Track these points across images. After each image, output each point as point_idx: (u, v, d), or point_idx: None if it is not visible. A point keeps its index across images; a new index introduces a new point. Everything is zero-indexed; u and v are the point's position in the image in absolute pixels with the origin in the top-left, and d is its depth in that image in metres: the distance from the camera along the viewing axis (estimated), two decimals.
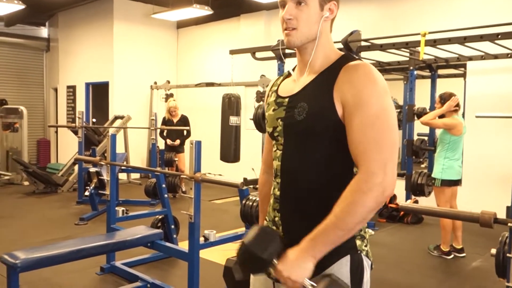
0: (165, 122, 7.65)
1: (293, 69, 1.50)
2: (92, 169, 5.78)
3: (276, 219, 1.42)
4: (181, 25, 10.15)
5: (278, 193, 1.41)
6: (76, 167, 7.87)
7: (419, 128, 6.83)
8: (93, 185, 5.70)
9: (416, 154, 6.20)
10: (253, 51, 6.61)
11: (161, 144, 7.92)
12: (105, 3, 9.25)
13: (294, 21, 1.34)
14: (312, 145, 1.33)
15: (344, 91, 1.26)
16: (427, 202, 5.60)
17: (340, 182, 1.29)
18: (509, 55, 5.54)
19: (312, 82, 1.36)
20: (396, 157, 1.27)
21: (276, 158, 1.42)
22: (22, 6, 7.47)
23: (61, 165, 9.18)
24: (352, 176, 1.28)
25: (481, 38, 4.47)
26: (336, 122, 1.28)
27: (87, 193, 5.90)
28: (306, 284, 1.23)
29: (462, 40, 4.62)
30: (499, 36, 4.36)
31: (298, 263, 1.24)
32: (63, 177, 8.12)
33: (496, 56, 5.66)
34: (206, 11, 8.15)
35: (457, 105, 4.51)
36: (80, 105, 10.05)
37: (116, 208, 4.04)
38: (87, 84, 10.06)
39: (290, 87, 1.44)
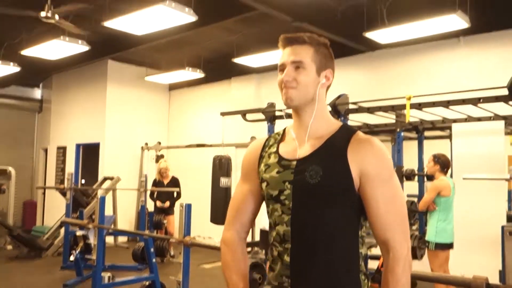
0: (156, 183, 7.61)
1: (283, 132, 1.54)
2: (79, 232, 5.67)
3: (285, 284, 1.40)
4: (173, 87, 10.36)
5: (288, 259, 1.39)
6: (62, 230, 7.71)
7: (409, 189, 6.87)
8: (79, 249, 5.56)
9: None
10: (243, 113, 6.72)
11: (150, 206, 7.83)
12: (100, 66, 9.47)
13: (294, 83, 1.41)
14: (325, 209, 1.36)
15: (364, 162, 1.36)
16: (420, 265, 5.51)
17: (353, 246, 1.38)
18: (491, 118, 5.68)
19: (322, 147, 1.41)
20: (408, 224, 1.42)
21: (283, 223, 1.40)
22: (17, 69, 7.62)
23: (47, 228, 8.97)
24: (357, 240, 1.39)
25: (463, 102, 4.61)
26: (351, 188, 1.35)
27: (72, 257, 5.74)
28: None
29: (446, 104, 4.76)
30: (481, 100, 4.50)
31: None
32: (48, 240, 7.92)
33: (479, 119, 5.81)
34: (198, 74, 8.38)
35: (446, 166, 4.58)
36: (70, 166, 10.00)
37: (102, 274, 3.93)
38: (78, 145, 10.07)
39: (292, 150, 1.46)
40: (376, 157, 1.37)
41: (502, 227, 1.96)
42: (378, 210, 1.35)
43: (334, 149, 1.39)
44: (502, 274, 1.95)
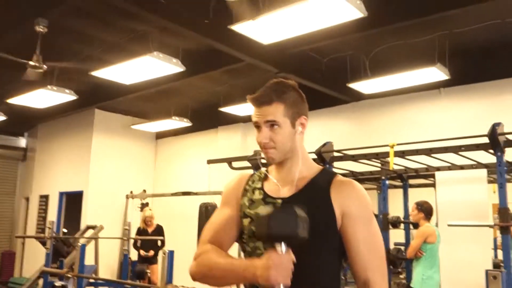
0: (140, 232, 7.49)
1: (266, 171, 1.57)
2: (58, 283, 5.46)
3: None
4: (160, 136, 10.40)
5: None
6: (41, 281, 7.44)
7: (395, 237, 6.84)
8: None
9: (394, 264, 6.10)
10: (229, 160, 6.74)
11: (134, 255, 7.65)
12: (86, 115, 9.49)
13: (271, 143, 1.44)
14: (311, 249, 1.36)
15: (346, 203, 1.39)
16: None
17: (332, 284, 1.41)
18: (473, 166, 5.78)
19: (306, 187, 1.44)
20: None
21: None
22: (3, 118, 7.61)
23: (25, 279, 8.67)
24: (339, 280, 1.42)
25: (445, 150, 4.71)
26: (334, 228, 1.39)
27: None
28: None
29: (429, 152, 4.85)
30: (463, 148, 4.60)
31: None
32: None
33: (462, 167, 5.91)
34: (185, 123, 8.45)
35: (430, 212, 4.61)
36: (52, 215, 9.80)
37: None
38: (61, 193, 9.92)
39: (276, 188, 1.48)
40: (358, 198, 1.41)
41: (486, 271, 1.97)
42: (359, 250, 1.38)
43: (318, 190, 1.43)
44: None
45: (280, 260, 1.24)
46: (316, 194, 1.42)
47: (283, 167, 1.50)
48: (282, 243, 1.25)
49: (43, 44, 5.35)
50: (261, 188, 1.50)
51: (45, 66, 5.23)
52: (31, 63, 5.17)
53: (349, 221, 1.38)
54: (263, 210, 1.38)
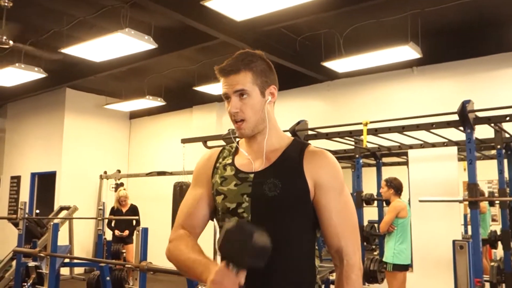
0: (114, 212, 7.42)
1: (236, 146, 1.55)
2: (32, 264, 5.39)
3: None
4: (134, 115, 10.26)
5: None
6: (14, 263, 7.34)
7: (369, 214, 6.98)
8: (31, 281, 5.28)
9: (367, 240, 6.22)
10: (204, 140, 6.70)
11: (108, 235, 7.60)
12: (57, 95, 9.28)
13: (241, 113, 1.42)
14: (284, 221, 1.37)
15: (318, 174, 1.39)
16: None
17: (310, 257, 1.42)
18: (445, 144, 5.90)
19: (278, 160, 1.43)
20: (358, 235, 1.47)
21: None
22: None
23: None
24: (313, 252, 1.42)
25: (417, 127, 4.77)
26: (308, 200, 1.38)
27: None
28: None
29: (401, 129, 4.91)
30: (434, 126, 4.68)
31: None
32: None
33: (433, 145, 6.02)
34: (159, 102, 8.34)
35: (399, 188, 4.71)
36: (24, 196, 9.62)
37: None
38: (33, 174, 9.74)
39: (247, 163, 1.46)
40: (329, 168, 1.41)
41: (453, 241, 2.02)
42: (331, 220, 1.38)
43: (290, 162, 1.42)
44: (455, 287, 1.99)
45: (225, 279, 1.20)
46: (288, 166, 1.41)
47: (254, 140, 1.48)
48: (231, 264, 1.21)
49: (8, 19, 5.17)
50: (232, 164, 1.48)
51: (11, 42, 5.06)
52: None
53: (321, 192, 1.38)
54: (228, 224, 1.26)
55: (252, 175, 1.42)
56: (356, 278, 1.37)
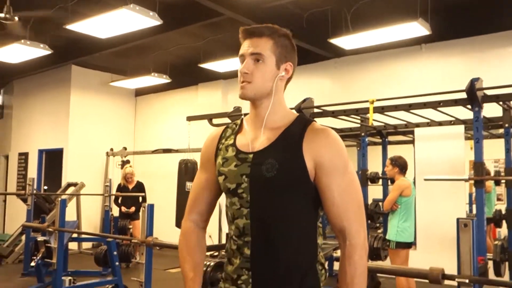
0: (120, 188, 7.49)
1: (240, 122, 1.54)
2: (40, 238, 5.48)
3: (244, 277, 1.39)
4: (140, 93, 10.25)
5: (248, 252, 1.39)
6: (23, 237, 7.47)
7: (374, 192, 7.00)
8: (40, 255, 5.38)
9: (371, 218, 6.27)
10: (210, 117, 6.71)
11: (115, 211, 7.69)
12: (63, 72, 9.28)
13: (250, 76, 1.41)
14: (283, 202, 1.36)
15: (319, 153, 1.36)
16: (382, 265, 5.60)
17: (312, 237, 1.41)
18: (452, 122, 5.86)
19: (278, 139, 1.40)
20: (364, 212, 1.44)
21: (242, 216, 1.40)
22: None
23: (8, 235, 8.68)
24: (315, 230, 1.41)
25: (424, 105, 4.74)
26: (306, 180, 1.36)
27: (33, 264, 5.56)
28: None
29: (408, 107, 4.88)
30: (441, 104, 4.64)
31: None
32: (8, 248, 7.65)
33: (440, 123, 5.98)
34: (164, 79, 8.32)
35: (404, 167, 4.70)
36: (32, 173, 9.72)
37: (63, 278, 3.83)
38: (40, 151, 9.81)
39: (248, 142, 1.45)
40: (330, 147, 1.37)
41: (457, 219, 2.02)
42: (334, 200, 1.36)
43: (290, 141, 1.39)
44: (458, 265, 2.00)
45: None
46: (287, 145, 1.38)
47: (258, 115, 1.46)
48: None
49: None
50: (234, 144, 1.47)
51: (16, 18, 5.03)
52: (1, 15, 4.97)
53: (323, 172, 1.35)
54: None
55: (251, 155, 1.41)
56: (358, 259, 1.34)
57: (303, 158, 1.35)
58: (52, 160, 9.62)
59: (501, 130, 5.43)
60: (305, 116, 1.49)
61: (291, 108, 5.45)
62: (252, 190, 1.38)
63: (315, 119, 5.48)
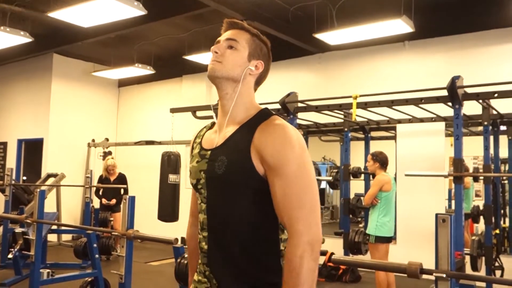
0: (102, 180, 7.42)
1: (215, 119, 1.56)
2: (18, 230, 5.40)
3: (207, 273, 1.41)
4: (123, 83, 10.14)
5: (206, 247, 1.41)
6: (0, 228, 7.35)
7: (356, 187, 7.07)
8: (17, 247, 5.30)
9: (353, 213, 6.33)
10: (193, 109, 6.68)
11: (96, 203, 7.61)
12: (44, 60, 9.11)
13: (221, 57, 1.42)
14: (233, 198, 1.35)
15: (263, 151, 1.31)
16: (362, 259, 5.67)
17: (267, 232, 1.36)
18: (433, 119, 5.94)
19: (232, 136, 1.39)
20: (318, 209, 1.31)
21: (202, 211, 1.42)
22: None
23: None
24: (277, 225, 1.36)
25: (406, 102, 4.79)
26: (254, 177, 1.32)
27: (10, 255, 5.48)
28: None
29: (390, 104, 4.93)
30: (423, 100, 4.70)
31: None
32: None
33: (422, 120, 6.06)
34: (148, 70, 8.23)
35: (385, 162, 4.76)
36: (11, 163, 9.56)
37: (41, 271, 3.78)
38: (20, 141, 9.64)
39: (212, 138, 1.47)
40: (274, 142, 1.31)
41: (436, 215, 2.05)
42: (276, 197, 1.30)
43: (241, 137, 1.36)
44: (436, 260, 2.03)
45: None
46: (237, 142, 1.36)
47: (223, 109, 1.44)
48: None
49: None
50: (200, 142, 1.50)
51: None
52: None
53: (267, 168, 1.31)
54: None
55: (209, 152, 1.42)
56: (298, 261, 1.23)
57: (249, 155, 1.32)
58: (32, 150, 9.47)
59: (480, 128, 5.53)
60: (268, 110, 1.43)
61: (275, 102, 5.46)
62: (208, 186, 1.40)
63: (299, 113, 5.50)
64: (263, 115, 1.39)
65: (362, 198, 6.66)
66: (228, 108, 1.43)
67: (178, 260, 3.29)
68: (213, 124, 1.55)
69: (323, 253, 5.56)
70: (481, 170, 5.68)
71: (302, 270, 1.22)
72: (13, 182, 6.91)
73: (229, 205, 1.36)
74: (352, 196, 6.44)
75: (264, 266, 1.35)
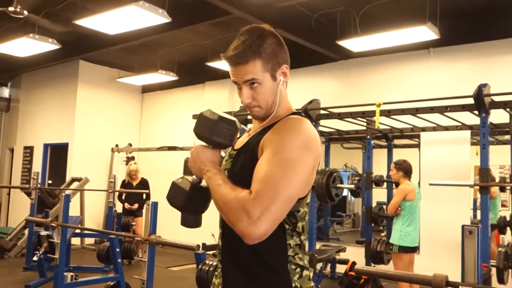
0: (125, 185, 7.50)
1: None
2: (43, 233, 5.50)
3: (219, 270, 1.46)
4: (146, 89, 10.27)
5: (220, 243, 1.45)
6: (26, 231, 7.50)
7: (378, 195, 6.98)
8: (42, 250, 5.39)
9: (375, 221, 6.25)
10: None
11: (119, 208, 7.70)
12: (70, 66, 9.31)
13: (254, 102, 1.40)
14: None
15: (264, 139, 1.33)
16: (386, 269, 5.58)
17: (275, 236, 1.29)
18: (458, 127, 5.83)
19: (254, 136, 1.43)
20: (279, 197, 1.22)
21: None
22: None
23: (11, 228, 8.72)
24: (285, 230, 1.35)
25: (431, 110, 4.72)
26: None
27: (35, 258, 5.57)
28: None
29: (414, 112, 4.86)
30: (448, 109, 4.62)
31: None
32: (11, 241, 7.68)
33: (446, 128, 5.96)
34: (171, 77, 8.32)
35: (409, 171, 4.69)
36: (37, 167, 9.76)
37: (65, 274, 3.83)
38: (46, 145, 9.85)
39: (242, 140, 1.50)
40: (277, 131, 1.32)
41: (463, 226, 2.01)
42: (256, 169, 1.29)
43: (259, 136, 1.39)
44: (462, 273, 1.99)
45: (197, 153, 1.40)
46: (255, 140, 1.39)
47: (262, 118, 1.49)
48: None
49: None
50: (233, 144, 1.52)
51: (25, 12, 5.04)
52: (10, 9, 4.98)
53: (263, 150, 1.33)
54: (204, 111, 1.45)
55: (235, 152, 1.46)
56: (235, 204, 1.22)
57: (257, 150, 1.34)
58: (57, 154, 9.65)
59: (507, 137, 5.40)
60: (298, 113, 1.45)
61: (297, 109, 5.45)
62: None
63: (321, 121, 5.47)
64: (289, 115, 1.42)
65: (384, 206, 6.57)
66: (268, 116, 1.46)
67: (200, 266, 3.31)
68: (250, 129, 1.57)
69: (345, 261, 5.50)
70: (507, 180, 5.54)
71: (236, 215, 1.21)
72: (38, 185, 7.05)
73: None
74: (374, 204, 6.36)
75: (272, 269, 1.34)
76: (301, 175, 1.27)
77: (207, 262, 3.32)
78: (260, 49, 1.35)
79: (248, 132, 1.56)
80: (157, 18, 5.45)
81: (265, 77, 1.37)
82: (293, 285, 1.34)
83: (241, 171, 1.37)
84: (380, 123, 5.12)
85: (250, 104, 1.40)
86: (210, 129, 1.38)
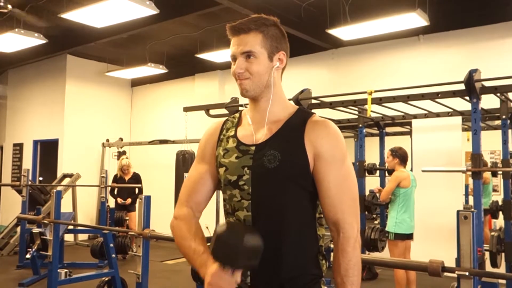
0: (116, 180, 7.45)
1: (240, 116, 1.53)
2: (36, 230, 5.45)
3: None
4: (136, 83, 10.18)
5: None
6: (18, 229, 7.44)
7: (371, 183, 6.99)
8: (35, 247, 5.35)
9: (369, 210, 6.27)
10: (207, 108, 6.66)
11: (112, 203, 7.66)
12: (58, 61, 9.19)
13: (246, 73, 1.40)
14: (284, 193, 1.36)
15: (318, 144, 1.36)
16: (380, 256, 5.61)
17: (310, 227, 1.41)
18: (449, 113, 5.84)
19: (279, 131, 1.41)
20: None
21: (243, 209, 1.39)
22: None
23: (2, 227, 8.64)
24: (315, 222, 1.41)
25: (422, 96, 4.71)
26: (307, 171, 1.37)
27: (28, 256, 5.53)
28: None
29: (406, 99, 4.85)
30: (439, 95, 4.61)
31: None
32: (3, 239, 7.61)
33: (438, 114, 5.97)
34: (160, 70, 8.25)
35: (405, 158, 4.69)
36: (27, 163, 9.67)
37: (59, 271, 3.80)
38: (35, 142, 9.75)
39: (249, 134, 1.45)
40: (330, 139, 1.38)
41: (458, 211, 2.01)
42: (330, 191, 1.37)
43: (291, 132, 1.40)
44: (457, 258, 1.99)
45: (221, 280, 1.25)
46: (289, 137, 1.39)
47: (258, 108, 1.45)
48: (226, 266, 1.25)
49: None
50: (235, 136, 1.47)
51: (10, 7, 4.95)
52: None
53: (321, 163, 1.36)
54: (219, 228, 1.30)
55: (253, 148, 1.41)
56: (351, 251, 1.34)
57: (304, 149, 1.36)
58: (48, 150, 9.56)
59: (498, 122, 5.42)
60: (305, 109, 1.53)
61: (289, 99, 5.43)
62: (254, 182, 1.38)
63: (313, 110, 5.46)
64: (305, 113, 1.45)
65: (377, 194, 6.59)
66: (264, 108, 1.45)
67: None
68: (237, 119, 1.53)
69: None
70: (499, 165, 5.57)
71: (355, 259, 1.35)
72: (29, 182, 6.98)
73: (279, 201, 1.37)
74: (367, 192, 6.37)
75: (307, 259, 1.39)
76: None
77: None
78: (263, 27, 1.42)
79: (234, 125, 1.50)
80: (145, 10, 5.38)
81: (262, 53, 1.41)
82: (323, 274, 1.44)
83: (282, 168, 1.35)
84: (371, 111, 5.11)
85: (242, 74, 1.40)
86: (235, 251, 1.24)
